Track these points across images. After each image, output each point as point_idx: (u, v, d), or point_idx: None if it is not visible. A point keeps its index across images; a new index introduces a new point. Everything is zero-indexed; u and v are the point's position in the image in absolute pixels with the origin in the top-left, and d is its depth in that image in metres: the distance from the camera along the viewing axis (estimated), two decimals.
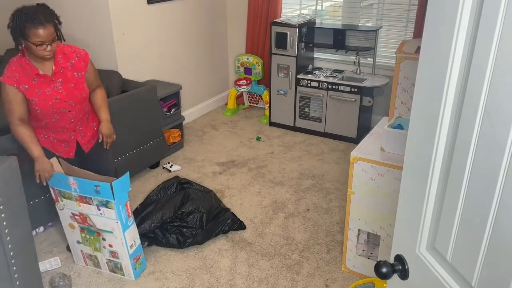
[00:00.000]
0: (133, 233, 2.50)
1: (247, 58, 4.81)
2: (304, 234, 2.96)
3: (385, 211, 2.31)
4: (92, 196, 2.34)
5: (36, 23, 2.11)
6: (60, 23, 2.23)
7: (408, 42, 2.78)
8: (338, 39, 4.37)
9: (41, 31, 2.11)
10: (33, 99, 2.25)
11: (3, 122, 3.06)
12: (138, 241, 2.56)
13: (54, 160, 2.42)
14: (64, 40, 2.29)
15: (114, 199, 2.30)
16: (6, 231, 1.89)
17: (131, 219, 2.47)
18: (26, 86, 2.23)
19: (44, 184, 2.36)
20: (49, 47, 2.17)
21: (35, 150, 2.30)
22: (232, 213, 3.07)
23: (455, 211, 0.92)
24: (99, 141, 2.52)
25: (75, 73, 2.34)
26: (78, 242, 2.59)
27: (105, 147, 2.53)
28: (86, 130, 2.54)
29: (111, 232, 2.43)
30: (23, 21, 2.13)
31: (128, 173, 2.39)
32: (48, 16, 2.15)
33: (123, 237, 2.42)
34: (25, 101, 2.26)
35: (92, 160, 2.61)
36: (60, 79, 2.31)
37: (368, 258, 2.54)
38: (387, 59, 4.28)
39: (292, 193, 3.44)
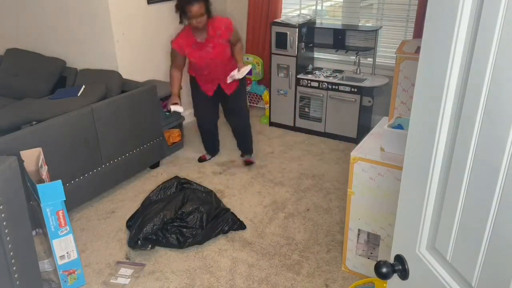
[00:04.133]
0: (66, 245, 2.43)
1: (247, 58, 4.81)
2: (304, 234, 2.96)
3: (385, 211, 2.31)
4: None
5: (191, 2, 2.99)
6: (210, 4, 3.13)
7: (408, 42, 2.78)
8: (338, 39, 4.37)
9: (193, 6, 2.99)
10: (193, 59, 3.28)
11: (3, 122, 3.07)
12: (75, 256, 2.46)
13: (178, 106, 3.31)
14: (212, 16, 3.16)
15: (41, 202, 2.28)
16: (6, 231, 1.89)
17: (64, 229, 2.40)
18: (188, 51, 3.25)
19: (168, 109, 3.35)
20: (196, 21, 3.04)
21: (174, 89, 3.37)
22: (232, 213, 3.07)
23: (455, 211, 0.92)
24: (235, 73, 3.30)
25: (221, 40, 3.22)
26: None
27: (237, 76, 3.29)
28: (225, 79, 3.36)
29: None
30: (183, 2, 3.04)
31: (59, 181, 2.32)
32: None
33: (50, 245, 2.39)
34: (183, 59, 3.33)
35: (231, 100, 3.57)
36: (211, 45, 3.22)
37: (368, 258, 2.54)
38: (387, 59, 4.28)
39: (292, 193, 3.44)
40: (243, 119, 3.73)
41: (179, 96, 3.40)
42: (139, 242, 2.75)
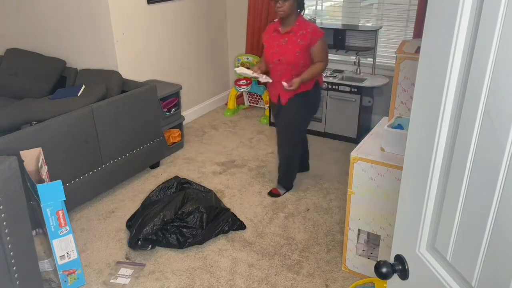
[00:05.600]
0: (66, 245, 2.43)
1: (247, 58, 4.81)
2: (304, 234, 2.96)
3: (385, 211, 2.31)
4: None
5: None
6: None
7: (408, 42, 2.78)
8: (338, 39, 4.37)
9: None
10: (265, 45, 3.12)
11: (3, 122, 3.07)
12: (75, 256, 2.47)
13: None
14: (304, 9, 3.05)
15: (41, 202, 2.29)
16: (6, 231, 1.89)
17: (64, 229, 2.40)
18: (268, 36, 3.11)
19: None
20: (279, 3, 2.86)
21: (261, 64, 3.20)
22: (232, 213, 3.07)
23: (455, 211, 0.92)
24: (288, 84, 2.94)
25: (299, 40, 2.95)
26: None
27: (285, 85, 2.94)
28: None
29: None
30: None
31: (59, 181, 2.32)
32: None
33: (50, 245, 2.39)
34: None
35: (282, 112, 3.19)
36: (287, 39, 2.98)
37: (368, 258, 2.54)
38: (387, 59, 4.28)
39: (292, 193, 3.43)
40: (285, 140, 3.24)
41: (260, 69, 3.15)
42: (139, 242, 2.74)
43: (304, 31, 2.93)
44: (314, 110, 3.28)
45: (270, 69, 3.13)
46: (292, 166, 3.36)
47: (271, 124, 4.67)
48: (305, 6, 3.04)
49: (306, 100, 3.10)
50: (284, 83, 2.90)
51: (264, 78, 3.05)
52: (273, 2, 2.90)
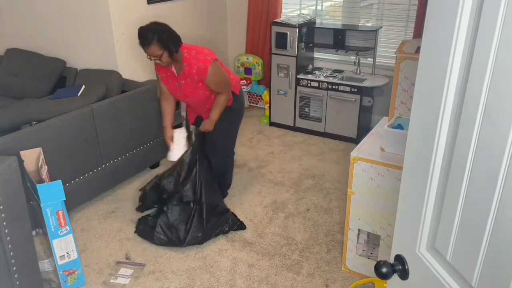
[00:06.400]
0: (66, 245, 2.43)
1: (247, 58, 4.81)
2: (304, 234, 2.96)
3: (385, 211, 2.31)
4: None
5: (141, 44, 2.63)
6: (166, 39, 2.63)
7: (408, 42, 2.78)
8: (338, 39, 4.37)
9: (146, 50, 2.64)
10: (166, 85, 2.94)
11: (3, 122, 3.07)
12: (75, 256, 2.47)
13: (180, 131, 3.05)
14: (177, 52, 2.70)
15: (41, 202, 2.29)
16: (6, 231, 1.89)
17: (64, 229, 2.40)
18: (163, 75, 2.90)
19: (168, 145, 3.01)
20: (158, 60, 2.68)
21: (164, 121, 3.04)
22: (232, 213, 3.07)
23: (455, 211, 0.92)
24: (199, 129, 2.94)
25: (195, 80, 2.79)
26: None
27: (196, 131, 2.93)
28: (207, 114, 2.97)
29: None
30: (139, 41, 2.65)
31: (59, 181, 2.33)
32: (148, 37, 2.60)
33: (50, 245, 2.40)
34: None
35: (211, 138, 3.01)
36: (183, 81, 2.83)
37: (368, 258, 2.54)
38: (387, 59, 4.28)
39: (292, 193, 3.44)
40: (223, 156, 3.18)
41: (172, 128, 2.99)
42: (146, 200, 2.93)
43: (194, 70, 2.73)
44: (241, 115, 3.18)
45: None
46: (229, 173, 3.38)
47: (271, 124, 4.67)
48: (179, 40, 2.71)
49: (230, 113, 3.01)
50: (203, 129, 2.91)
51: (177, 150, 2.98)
52: (151, 59, 2.70)
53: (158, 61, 2.68)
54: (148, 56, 2.66)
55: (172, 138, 3.00)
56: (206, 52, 2.78)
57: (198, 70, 2.72)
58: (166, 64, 2.72)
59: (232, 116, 3.06)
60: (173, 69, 2.80)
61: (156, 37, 2.59)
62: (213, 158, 3.05)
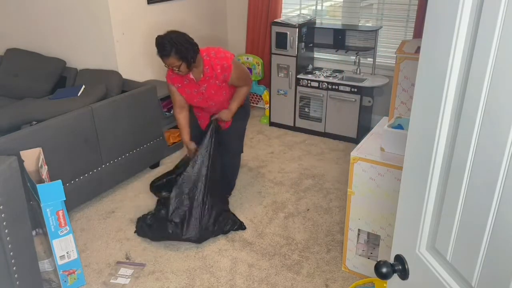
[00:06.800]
0: (66, 245, 2.43)
1: (247, 58, 4.81)
2: (304, 234, 2.96)
3: (385, 211, 2.31)
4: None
5: (160, 54, 2.62)
6: (184, 50, 2.61)
7: (408, 42, 2.78)
8: (338, 39, 4.37)
9: (164, 60, 2.64)
10: (182, 95, 2.89)
11: (3, 122, 3.07)
12: (75, 256, 2.47)
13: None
14: (194, 62, 2.68)
15: (41, 202, 2.29)
16: (6, 231, 1.89)
17: (64, 229, 2.40)
18: (179, 85, 2.85)
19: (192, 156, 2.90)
20: (177, 70, 2.67)
21: (183, 136, 2.99)
22: (232, 213, 3.07)
23: (455, 211, 0.92)
24: (216, 118, 2.92)
25: (217, 82, 2.80)
26: None
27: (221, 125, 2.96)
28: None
29: None
30: (158, 53, 2.65)
31: (59, 181, 2.33)
32: (166, 48, 2.59)
33: (50, 245, 2.40)
34: (181, 95, 2.90)
35: (225, 136, 3.03)
36: (205, 85, 2.82)
37: (368, 258, 2.54)
38: (387, 59, 4.28)
39: (292, 193, 3.44)
40: (236, 154, 3.28)
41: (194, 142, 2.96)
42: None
43: (215, 72, 2.76)
44: (249, 113, 3.24)
45: (200, 110, 3.05)
46: (235, 173, 3.44)
47: (271, 124, 4.67)
48: (196, 48, 2.70)
49: (243, 112, 3.09)
50: (222, 122, 2.93)
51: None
52: (169, 68, 2.71)
53: (177, 71, 2.67)
54: (166, 65, 2.68)
55: (196, 150, 2.91)
56: (223, 50, 2.83)
57: (222, 69, 2.76)
58: (184, 73, 2.72)
59: (245, 114, 3.14)
60: (191, 75, 2.79)
61: (174, 49, 2.58)
62: (224, 157, 3.05)
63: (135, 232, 2.97)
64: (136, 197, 3.38)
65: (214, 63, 2.75)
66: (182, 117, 2.98)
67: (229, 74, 2.77)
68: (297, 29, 4.16)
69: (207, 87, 2.82)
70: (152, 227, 2.87)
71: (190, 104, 2.96)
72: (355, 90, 4.06)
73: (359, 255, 2.56)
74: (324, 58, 4.64)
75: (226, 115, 2.92)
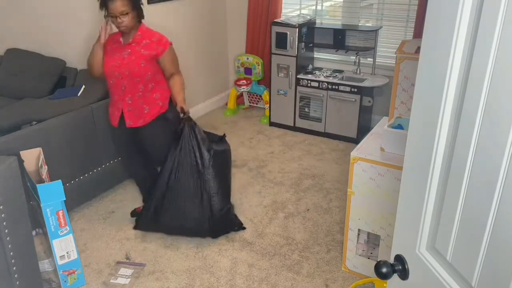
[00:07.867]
0: (66, 245, 2.43)
1: (247, 58, 4.81)
2: (304, 234, 2.96)
3: (385, 211, 2.31)
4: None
5: None
6: (138, 2, 2.57)
7: (408, 42, 2.78)
8: (338, 39, 4.37)
9: (110, 4, 2.47)
10: (104, 57, 2.66)
11: (3, 122, 3.07)
12: (75, 256, 2.47)
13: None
14: (143, 18, 2.65)
15: (41, 202, 2.29)
16: (6, 231, 1.89)
17: (64, 229, 2.40)
18: (108, 47, 2.67)
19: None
20: (119, 20, 2.50)
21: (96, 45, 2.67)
22: (234, 214, 3.07)
23: (455, 211, 0.92)
24: (182, 116, 2.72)
25: (142, 50, 2.63)
26: None
27: (184, 116, 2.72)
28: (135, 107, 2.72)
29: None
30: None
31: (59, 181, 2.32)
32: None
33: (50, 245, 2.40)
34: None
35: (147, 135, 2.81)
36: (129, 50, 2.64)
37: (368, 258, 2.54)
38: (387, 59, 4.28)
39: (292, 193, 3.44)
40: (157, 161, 2.93)
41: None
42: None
43: (148, 40, 2.64)
44: (174, 127, 2.82)
45: (110, 87, 2.73)
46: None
47: (271, 124, 4.67)
48: (144, 14, 2.65)
49: (165, 121, 2.81)
50: (187, 114, 2.68)
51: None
52: (113, 19, 2.52)
53: (119, 21, 2.50)
54: (109, 15, 2.50)
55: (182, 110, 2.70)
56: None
57: (159, 42, 2.65)
58: (124, 29, 2.55)
59: (168, 121, 2.85)
60: (122, 39, 2.66)
61: None
62: (160, 149, 2.80)
63: (134, 228, 2.96)
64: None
65: (151, 34, 2.66)
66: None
67: (164, 50, 2.66)
68: (297, 29, 4.16)
69: (130, 53, 2.63)
70: (152, 219, 2.82)
71: (106, 71, 2.67)
72: (355, 90, 4.06)
73: (359, 255, 2.56)
74: (324, 58, 4.64)
75: (182, 105, 2.69)
